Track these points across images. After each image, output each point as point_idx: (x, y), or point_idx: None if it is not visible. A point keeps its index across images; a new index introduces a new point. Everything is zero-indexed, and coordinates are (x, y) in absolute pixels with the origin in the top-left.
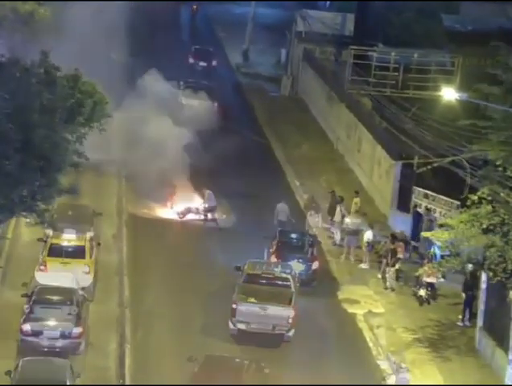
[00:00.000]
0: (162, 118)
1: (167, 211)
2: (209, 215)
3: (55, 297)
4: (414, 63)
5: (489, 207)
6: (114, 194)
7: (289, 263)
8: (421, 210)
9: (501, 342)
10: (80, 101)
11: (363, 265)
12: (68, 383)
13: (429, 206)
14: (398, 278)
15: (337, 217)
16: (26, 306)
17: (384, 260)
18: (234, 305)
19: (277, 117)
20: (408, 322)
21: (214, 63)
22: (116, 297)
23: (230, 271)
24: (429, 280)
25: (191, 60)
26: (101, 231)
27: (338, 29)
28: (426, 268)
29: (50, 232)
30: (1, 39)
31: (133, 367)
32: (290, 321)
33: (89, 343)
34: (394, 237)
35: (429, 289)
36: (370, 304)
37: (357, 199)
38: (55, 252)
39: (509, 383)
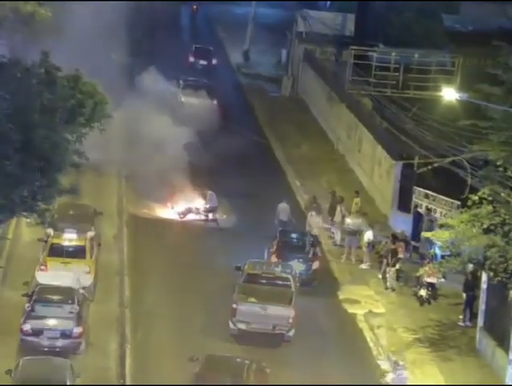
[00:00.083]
0: (160, 117)
1: (168, 211)
2: (210, 216)
3: (55, 296)
4: (415, 63)
5: (490, 207)
6: (115, 194)
7: (289, 263)
8: (421, 210)
9: (502, 343)
10: (81, 102)
11: (363, 265)
12: (68, 383)
13: (430, 206)
14: (398, 278)
15: (338, 217)
16: (27, 305)
17: (384, 261)
18: (234, 305)
19: (277, 117)
20: (409, 322)
21: (214, 61)
22: (116, 297)
23: (230, 271)
24: (430, 280)
25: (191, 59)
26: (101, 231)
27: (338, 29)
28: (426, 268)
29: (51, 231)
30: (1, 40)
31: (133, 367)
32: (290, 321)
33: (90, 343)
34: (394, 237)
35: (430, 289)
36: (371, 304)
37: (357, 200)
38: (56, 251)
39: (510, 384)
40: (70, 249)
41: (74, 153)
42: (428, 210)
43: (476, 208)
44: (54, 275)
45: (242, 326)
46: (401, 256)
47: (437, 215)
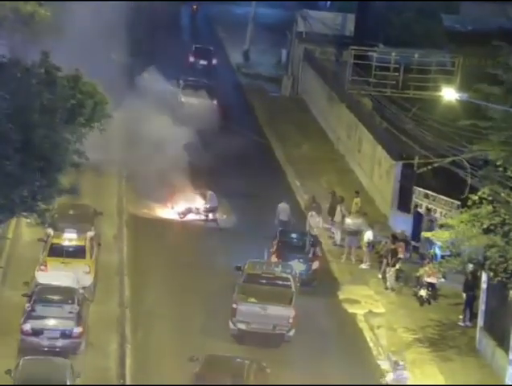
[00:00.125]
0: (160, 117)
1: (168, 211)
2: (210, 216)
3: (56, 296)
4: (415, 63)
5: (490, 207)
6: (115, 194)
7: (289, 263)
8: (421, 210)
9: (502, 343)
10: (81, 102)
11: (363, 265)
12: (68, 383)
13: (429, 206)
14: (398, 278)
15: (337, 217)
16: (27, 305)
17: (384, 261)
18: (235, 305)
19: (277, 117)
20: (409, 322)
21: (214, 61)
22: (116, 297)
23: (230, 271)
24: (430, 280)
25: (191, 59)
26: (101, 231)
27: (338, 29)
28: (426, 268)
29: (51, 231)
30: (1, 40)
31: (133, 367)
32: (290, 321)
33: (90, 343)
34: (394, 237)
35: (430, 289)
36: (371, 304)
37: (357, 200)
38: (56, 251)
39: (510, 384)
40: (70, 249)
41: (74, 153)
42: (428, 210)
43: (476, 208)
44: (54, 274)
45: (242, 326)
46: (401, 256)
47: (437, 215)
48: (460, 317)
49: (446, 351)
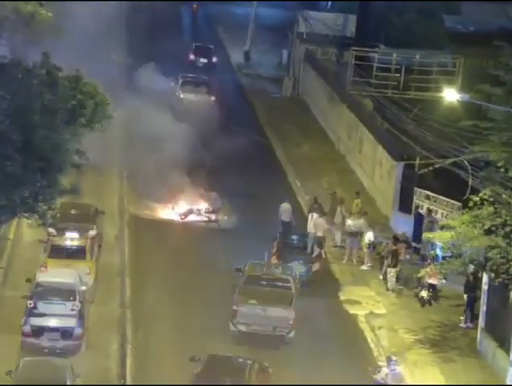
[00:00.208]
0: (159, 114)
1: (169, 212)
2: (212, 217)
3: (57, 293)
4: (416, 64)
5: (491, 209)
6: (116, 194)
7: (290, 264)
8: (423, 211)
9: (503, 344)
10: (82, 102)
11: (364, 266)
12: (68, 384)
13: (431, 207)
14: (399, 279)
15: (338, 218)
16: (29, 302)
17: (385, 262)
18: (235, 307)
19: (278, 117)
20: (410, 323)
21: (214, 59)
22: (117, 298)
23: (231, 272)
24: (431, 281)
25: (191, 57)
26: (102, 231)
27: (340, 30)
28: (428, 269)
29: (53, 231)
30: (2, 40)
31: (134, 368)
32: (290, 322)
33: (90, 344)
34: (395, 239)
35: (431, 290)
36: (372, 305)
37: (357, 201)
38: (57, 252)
39: (511, 385)
40: (70, 250)
41: (75, 154)
42: (429, 211)
43: (477, 209)
44: (56, 272)
45: (243, 328)
46: (402, 257)
47: (438, 216)
48: (461, 318)
49: (447, 352)
